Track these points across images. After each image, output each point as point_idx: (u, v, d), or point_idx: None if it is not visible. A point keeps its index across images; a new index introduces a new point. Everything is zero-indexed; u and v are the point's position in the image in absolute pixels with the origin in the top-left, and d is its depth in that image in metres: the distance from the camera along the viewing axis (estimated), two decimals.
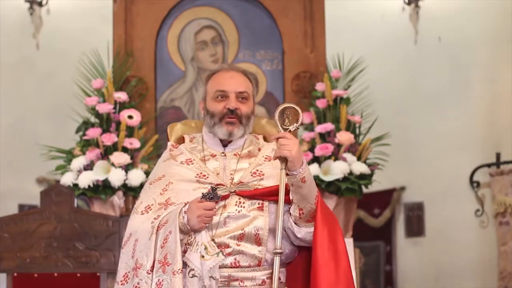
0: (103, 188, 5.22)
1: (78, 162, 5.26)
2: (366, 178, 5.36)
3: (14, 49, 6.91)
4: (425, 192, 6.95)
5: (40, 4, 6.98)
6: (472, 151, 6.66)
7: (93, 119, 5.46)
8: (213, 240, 2.79)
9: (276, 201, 2.86)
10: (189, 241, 2.78)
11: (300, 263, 2.95)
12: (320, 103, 5.52)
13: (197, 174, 2.91)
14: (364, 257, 5.55)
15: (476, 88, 6.73)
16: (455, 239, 6.70)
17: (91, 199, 5.31)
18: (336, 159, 5.32)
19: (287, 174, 2.81)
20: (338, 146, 5.36)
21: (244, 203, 2.86)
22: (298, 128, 2.87)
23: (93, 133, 5.28)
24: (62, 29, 6.99)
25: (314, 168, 5.30)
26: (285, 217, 2.86)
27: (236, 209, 2.85)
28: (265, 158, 3.00)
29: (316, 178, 5.27)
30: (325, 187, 5.30)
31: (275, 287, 2.76)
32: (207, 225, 2.78)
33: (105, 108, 5.36)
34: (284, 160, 2.80)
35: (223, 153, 2.99)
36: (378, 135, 5.61)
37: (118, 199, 5.26)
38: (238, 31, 5.91)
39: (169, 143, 3.12)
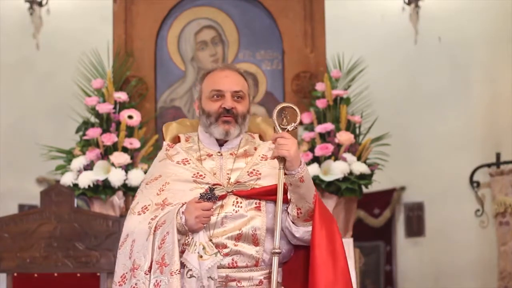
0: (103, 188, 5.22)
1: (78, 162, 5.26)
2: (366, 178, 5.36)
3: (14, 49, 6.91)
4: (425, 192, 6.95)
5: (40, 4, 6.98)
6: (472, 151, 6.66)
7: (93, 119, 5.46)
8: (210, 240, 2.78)
9: (273, 201, 2.86)
10: (186, 241, 2.78)
11: (296, 263, 2.95)
12: (320, 103, 5.52)
13: (194, 174, 2.91)
14: (364, 257, 5.55)
15: (476, 88, 6.73)
16: (455, 239, 6.70)
17: (91, 199, 5.31)
18: (336, 159, 5.32)
19: (285, 174, 2.80)
20: (338, 146, 5.36)
21: (241, 203, 2.86)
22: (296, 128, 2.87)
23: (93, 133, 5.28)
24: (62, 29, 6.99)
25: (314, 168, 5.30)
26: (282, 216, 2.86)
27: (234, 209, 2.84)
28: (262, 157, 2.99)
29: (316, 178, 5.27)
30: (325, 187, 5.30)
31: (273, 287, 2.76)
32: (205, 225, 2.77)
33: (105, 108, 5.36)
34: (282, 159, 2.80)
35: (219, 152, 2.98)
36: (378, 135, 5.61)
37: (118, 199, 5.26)
38: (238, 31, 5.91)
39: (164, 143, 3.10)
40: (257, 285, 2.86)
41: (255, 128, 3.12)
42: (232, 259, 2.82)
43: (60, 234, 4.64)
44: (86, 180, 5.19)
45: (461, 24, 6.77)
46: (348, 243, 5.04)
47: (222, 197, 2.84)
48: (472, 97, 6.73)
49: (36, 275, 4.64)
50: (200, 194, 2.78)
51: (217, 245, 2.79)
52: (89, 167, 5.24)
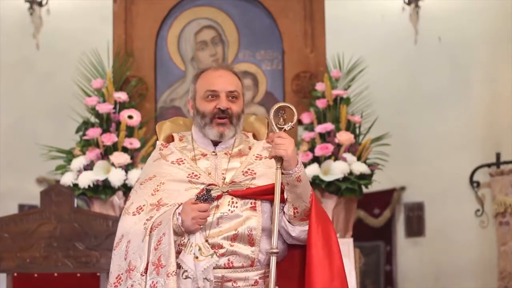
0: (103, 188, 5.22)
1: (78, 162, 5.26)
2: (366, 178, 5.36)
3: (14, 49, 6.91)
4: (425, 192, 6.95)
5: (40, 4, 6.98)
6: (472, 151, 6.66)
7: (93, 119, 5.47)
8: (206, 241, 2.77)
9: (268, 200, 2.86)
10: (182, 242, 2.77)
11: (291, 262, 2.94)
12: (320, 103, 5.52)
13: (189, 174, 2.89)
14: (364, 257, 5.55)
15: (476, 88, 6.73)
16: (455, 239, 6.70)
17: (91, 199, 5.31)
18: (336, 159, 5.32)
19: (282, 173, 2.80)
20: (338, 146, 5.36)
21: (236, 203, 2.84)
22: (293, 127, 2.85)
23: (93, 133, 5.28)
24: (62, 29, 6.99)
25: (314, 168, 5.30)
26: (279, 216, 2.85)
27: (229, 209, 2.83)
28: (256, 156, 2.98)
29: (316, 178, 5.28)
30: (325, 187, 5.30)
31: (272, 287, 2.76)
32: (201, 226, 2.76)
33: (105, 108, 5.36)
34: (279, 159, 2.78)
35: (214, 152, 2.97)
36: (378, 135, 5.61)
37: (118, 199, 5.26)
38: (238, 31, 5.91)
39: (158, 142, 3.08)
40: (252, 285, 2.85)
41: (248, 127, 3.10)
42: (228, 260, 2.81)
43: (60, 234, 4.64)
44: (86, 180, 5.20)
45: (461, 24, 6.77)
46: (348, 243, 5.04)
47: (218, 197, 2.83)
48: (472, 97, 6.73)
49: (36, 275, 4.64)
50: (197, 195, 2.77)
51: (213, 246, 2.78)
52: (89, 167, 5.24)
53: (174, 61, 5.87)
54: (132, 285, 2.74)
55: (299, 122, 5.62)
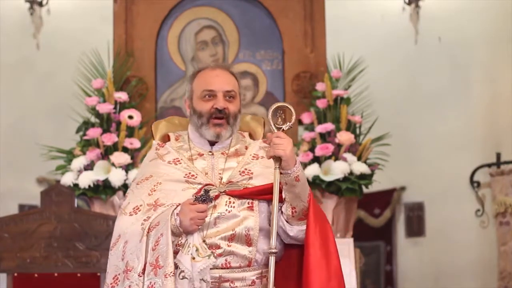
0: (103, 188, 5.22)
1: (79, 162, 5.26)
2: (366, 178, 5.36)
3: (14, 49, 6.90)
4: (425, 192, 6.95)
5: (40, 4, 6.97)
6: (472, 151, 6.66)
7: (93, 119, 5.47)
8: (204, 241, 2.77)
9: (266, 200, 2.86)
10: (180, 242, 2.77)
11: (288, 262, 2.94)
12: (320, 103, 5.52)
13: (186, 174, 2.89)
14: (365, 257, 5.54)
15: (476, 88, 6.73)
16: (455, 239, 6.70)
17: (91, 199, 5.31)
18: (336, 159, 5.32)
19: (280, 173, 2.79)
20: (339, 146, 5.36)
21: (234, 202, 2.84)
22: (291, 127, 2.84)
23: (94, 133, 5.28)
24: (62, 29, 6.99)
25: (315, 168, 5.30)
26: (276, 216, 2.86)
27: (226, 209, 2.83)
28: (253, 156, 2.98)
29: (317, 178, 5.28)
30: (326, 187, 5.30)
31: (271, 287, 2.76)
32: (199, 227, 2.76)
33: (105, 108, 5.36)
34: (278, 159, 2.78)
35: (210, 152, 2.96)
36: (378, 135, 5.61)
37: (118, 199, 5.26)
38: (238, 31, 5.91)
39: (154, 142, 3.07)
40: (249, 285, 2.85)
41: (244, 126, 3.09)
42: (226, 260, 2.81)
43: (60, 234, 4.64)
44: (86, 180, 5.20)
45: (461, 24, 6.77)
46: (348, 243, 5.04)
47: (215, 197, 2.83)
48: (472, 97, 6.73)
49: (36, 275, 4.64)
50: (195, 196, 2.77)
51: (210, 246, 2.78)
52: (89, 167, 5.24)
53: (174, 61, 5.87)
54: (129, 286, 2.73)
55: (299, 122, 5.63)
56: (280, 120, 2.83)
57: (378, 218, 7.17)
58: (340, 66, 5.70)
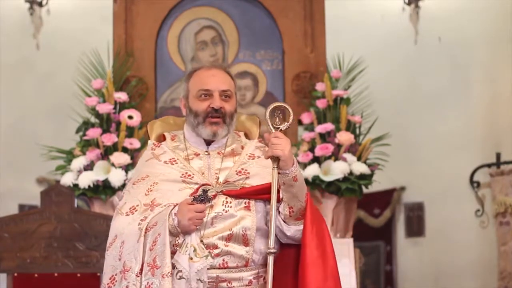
0: (103, 188, 5.22)
1: (78, 162, 5.26)
2: (366, 178, 5.36)
3: (14, 49, 6.90)
4: (425, 192, 6.95)
5: (40, 4, 6.97)
6: (472, 151, 6.66)
7: (93, 119, 5.47)
8: (201, 241, 2.77)
9: (262, 200, 2.87)
10: (177, 242, 2.77)
11: (285, 262, 2.93)
12: (320, 103, 5.52)
13: (182, 174, 2.88)
14: (364, 257, 5.55)
15: (476, 88, 6.73)
16: (455, 239, 6.70)
17: (91, 199, 5.31)
18: (336, 159, 5.32)
19: (279, 173, 2.79)
20: (338, 146, 5.36)
21: (231, 202, 2.84)
22: (289, 127, 2.85)
23: (93, 133, 5.28)
24: (62, 29, 6.99)
25: (314, 168, 5.30)
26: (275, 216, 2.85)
27: (223, 209, 2.83)
28: (249, 156, 2.98)
29: (316, 178, 5.28)
30: (325, 187, 5.30)
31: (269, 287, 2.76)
32: (197, 227, 2.76)
33: (105, 108, 5.36)
34: (276, 159, 2.78)
35: (206, 151, 2.96)
36: (378, 135, 5.61)
37: (118, 199, 5.25)
38: (238, 31, 5.91)
39: (150, 142, 3.07)
40: (246, 285, 2.85)
41: (240, 126, 3.09)
42: (223, 260, 2.81)
43: (60, 234, 4.64)
44: (86, 180, 5.20)
45: (461, 24, 6.77)
46: (348, 243, 5.05)
47: (212, 197, 2.83)
48: (472, 97, 6.73)
49: (36, 275, 4.64)
50: (194, 196, 2.77)
51: (208, 246, 2.77)
52: (89, 167, 5.24)
53: (174, 61, 5.87)
54: (127, 286, 2.73)
55: (299, 122, 5.63)
56: (278, 120, 2.83)
57: (378, 218, 7.17)
58: (340, 66, 5.70)
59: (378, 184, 5.60)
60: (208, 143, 2.97)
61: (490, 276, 6.39)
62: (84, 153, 5.29)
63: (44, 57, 6.96)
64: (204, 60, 5.83)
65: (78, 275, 4.64)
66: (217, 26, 5.92)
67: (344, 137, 5.35)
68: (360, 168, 5.32)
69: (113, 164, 5.21)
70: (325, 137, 5.41)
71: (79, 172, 5.24)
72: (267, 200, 2.86)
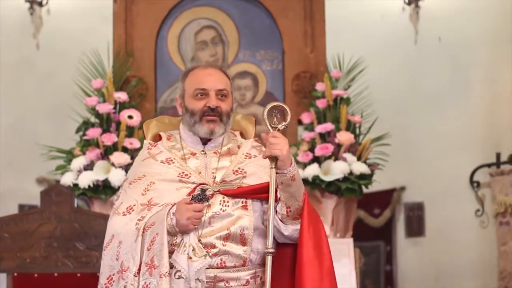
0: (103, 188, 5.22)
1: (78, 162, 5.26)
2: (366, 178, 5.36)
3: (14, 49, 6.91)
4: (425, 192, 6.95)
5: (40, 4, 6.97)
6: (472, 151, 6.66)
7: (93, 119, 5.47)
8: (199, 240, 2.77)
9: (259, 199, 2.87)
10: (174, 241, 2.76)
11: (281, 262, 2.93)
12: (320, 103, 5.52)
13: (179, 174, 2.88)
14: (364, 257, 5.54)
15: (476, 88, 6.73)
16: (455, 239, 6.70)
17: (91, 199, 5.32)
18: (336, 159, 5.32)
19: (277, 173, 2.79)
20: (338, 146, 5.36)
21: (228, 202, 2.84)
22: (287, 127, 2.85)
23: (93, 133, 5.28)
24: (62, 29, 6.99)
25: (314, 168, 5.30)
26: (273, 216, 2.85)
27: (221, 208, 2.83)
28: (246, 155, 2.98)
29: (316, 178, 5.28)
30: (325, 187, 5.30)
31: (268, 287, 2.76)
32: (196, 226, 2.76)
33: (105, 108, 5.36)
34: (274, 159, 2.78)
35: (203, 151, 2.96)
36: (378, 135, 5.61)
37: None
38: (238, 31, 5.91)
39: (146, 141, 3.06)
40: (244, 285, 2.85)
41: (235, 125, 3.08)
42: (221, 259, 2.81)
43: (60, 234, 4.64)
44: (86, 180, 5.20)
45: (461, 24, 6.77)
46: (348, 243, 5.05)
47: (210, 196, 2.83)
48: (472, 97, 6.73)
49: (36, 275, 4.64)
50: (192, 195, 2.77)
51: (205, 245, 2.77)
52: (89, 167, 5.24)
53: (174, 61, 5.87)
54: (125, 286, 2.73)
55: (299, 122, 5.63)
56: (275, 119, 2.83)
57: (378, 218, 7.17)
58: (340, 66, 5.70)
59: (378, 184, 5.60)
60: (204, 142, 2.97)
61: (490, 276, 6.39)
62: (84, 153, 5.29)
63: (44, 57, 6.96)
64: (204, 60, 5.83)
65: (78, 275, 4.64)
66: (217, 26, 5.92)
67: (344, 137, 5.35)
68: (360, 168, 5.32)
69: (113, 164, 5.21)
70: (325, 137, 5.41)
71: (79, 172, 5.24)
72: (264, 200, 2.86)
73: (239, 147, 3.01)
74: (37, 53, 7.00)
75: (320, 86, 5.58)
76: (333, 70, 5.67)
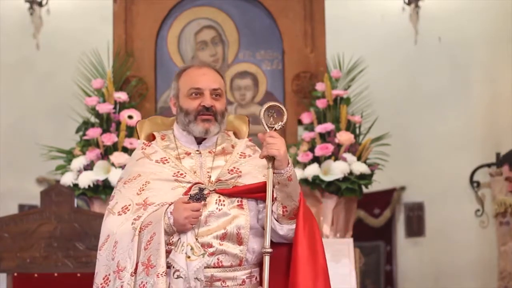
0: (103, 188, 5.22)
1: (78, 162, 5.26)
2: (366, 178, 5.36)
3: (14, 49, 6.91)
4: (425, 192, 6.95)
5: (40, 4, 6.98)
6: (472, 151, 6.66)
7: (93, 119, 5.47)
8: (196, 239, 2.77)
9: (255, 199, 2.87)
10: (171, 241, 2.76)
11: (276, 261, 2.91)
12: (320, 103, 5.52)
13: (174, 173, 2.88)
14: (364, 257, 5.54)
15: (476, 88, 6.73)
16: (455, 239, 6.70)
17: (91, 199, 5.31)
18: (336, 159, 5.32)
19: (274, 173, 2.80)
20: (338, 146, 5.36)
21: (224, 201, 2.85)
22: (283, 127, 2.85)
23: (93, 133, 5.28)
24: (62, 29, 6.99)
25: (314, 168, 5.30)
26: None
27: (217, 207, 2.83)
28: (240, 155, 2.99)
29: (316, 178, 5.28)
30: (325, 187, 5.30)
31: (266, 287, 2.76)
32: (193, 226, 2.76)
33: (105, 108, 5.36)
34: (271, 159, 2.79)
35: (197, 151, 2.96)
36: (378, 135, 5.61)
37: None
38: (238, 31, 5.91)
39: (139, 141, 3.06)
40: (240, 284, 2.85)
41: (228, 125, 3.08)
42: (218, 259, 2.81)
43: (60, 234, 4.64)
44: (86, 180, 5.20)
45: (461, 24, 6.77)
46: (348, 243, 5.04)
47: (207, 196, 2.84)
48: (472, 97, 6.73)
49: (36, 275, 4.64)
50: (190, 194, 2.77)
51: (202, 245, 2.77)
52: (89, 167, 5.24)
53: (174, 61, 5.87)
54: (121, 286, 2.72)
55: (299, 122, 5.63)
56: (272, 119, 2.84)
57: (378, 218, 7.17)
58: (340, 66, 5.70)
59: (378, 184, 5.60)
60: (199, 142, 2.98)
61: (490, 276, 6.39)
62: (84, 153, 5.29)
63: (44, 57, 6.97)
64: (204, 60, 5.82)
65: (78, 275, 4.64)
66: (217, 26, 5.92)
67: (344, 137, 5.35)
68: (360, 168, 5.32)
69: (113, 164, 5.21)
70: (325, 137, 5.41)
71: (79, 172, 5.24)
72: (259, 199, 2.87)
73: (233, 146, 3.02)
74: (37, 53, 7.00)
75: (320, 86, 5.58)
76: (333, 70, 5.67)
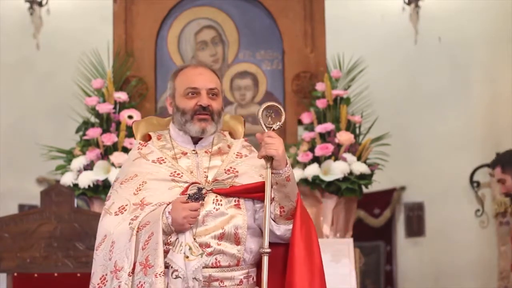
0: (103, 188, 5.22)
1: (78, 162, 5.26)
2: (366, 178, 5.36)
3: (14, 49, 6.91)
4: (425, 192, 6.95)
5: (40, 4, 6.98)
6: (472, 151, 6.66)
7: (93, 119, 5.47)
8: (194, 239, 2.76)
9: (251, 199, 2.87)
10: (169, 241, 2.76)
11: (272, 261, 2.90)
12: (320, 103, 5.52)
13: (171, 173, 2.88)
14: (364, 257, 5.54)
15: (476, 88, 6.73)
16: (455, 239, 6.70)
17: (91, 199, 5.31)
18: (336, 159, 5.32)
19: (272, 173, 2.79)
20: (338, 146, 5.36)
21: (221, 200, 2.84)
22: (281, 127, 2.85)
23: (93, 133, 5.28)
24: (62, 29, 7.00)
25: (314, 168, 5.30)
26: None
27: (214, 207, 2.83)
28: (237, 155, 2.99)
29: (316, 178, 5.28)
30: (325, 187, 5.30)
31: (265, 287, 2.76)
32: (192, 225, 2.76)
33: (105, 108, 5.36)
34: (269, 159, 2.79)
35: (194, 150, 2.96)
36: (378, 135, 5.61)
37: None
38: (238, 31, 5.91)
39: (136, 141, 3.06)
40: (238, 284, 2.85)
41: (224, 125, 3.07)
42: (216, 259, 2.81)
43: (60, 234, 4.64)
44: (86, 180, 5.20)
45: (461, 24, 6.77)
46: (348, 243, 5.04)
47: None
48: (472, 97, 6.73)
49: (36, 275, 4.63)
50: (188, 194, 2.76)
51: (200, 245, 2.77)
52: (89, 167, 5.24)
53: (174, 61, 5.87)
54: (119, 286, 2.72)
55: (299, 122, 5.63)
56: (270, 119, 2.84)
57: (378, 218, 7.17)
58: (340, 66, 5.70)
59: (378, 184, 5.60)
60: (195, 142, 2.97)
61: (490, 276, 6.39)
62: (84, 153, 5.29)
63: (44, 57, 6.97)
64: (204, 60, 5.82)
65: (78, 275, 4.63)
66: (217, 26, 5.92)
67: (344, 137, 5.35)
68: (360, 168, 5.32)
69: (113, 164, 5.21)
70: (325, 137, 5.41)
71: (79, 172, 5.24)
72: (256, 199, 2.87)
73: (229, 146, 3.02)
74: (37, 53, 7.00)
75: (320, 86, 5.58)
76: (333, 70, 5.67)
